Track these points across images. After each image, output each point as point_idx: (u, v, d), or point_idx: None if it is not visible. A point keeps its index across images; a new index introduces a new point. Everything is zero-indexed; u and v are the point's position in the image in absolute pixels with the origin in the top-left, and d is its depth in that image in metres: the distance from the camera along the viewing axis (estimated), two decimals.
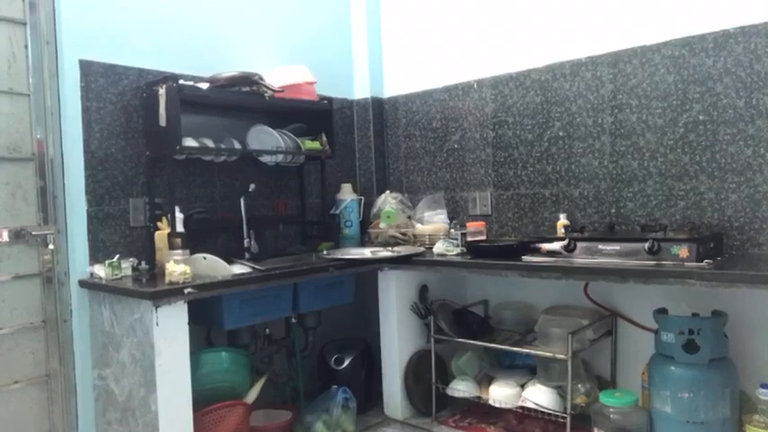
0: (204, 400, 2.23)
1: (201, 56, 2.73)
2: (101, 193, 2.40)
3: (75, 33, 2.35)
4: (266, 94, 2.67)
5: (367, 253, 2.82)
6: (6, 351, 2.21)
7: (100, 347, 2.30)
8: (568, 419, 2.37)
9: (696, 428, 2.12)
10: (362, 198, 3.26)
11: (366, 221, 3.25)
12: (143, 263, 2.44)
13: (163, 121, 2.36)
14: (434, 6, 3.23)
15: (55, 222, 2.33)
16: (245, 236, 2.69)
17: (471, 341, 2.70)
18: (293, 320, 2.73)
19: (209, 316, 2.33)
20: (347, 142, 3.43)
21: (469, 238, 2.76)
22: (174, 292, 2.04)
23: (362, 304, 3.06)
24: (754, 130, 2.26)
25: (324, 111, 2.97)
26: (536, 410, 2.48)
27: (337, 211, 3.19)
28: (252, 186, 2.75)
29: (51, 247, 2.31)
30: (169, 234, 2.34)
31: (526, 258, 2.37)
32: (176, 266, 2.11)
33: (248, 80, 2.60)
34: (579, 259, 2.28)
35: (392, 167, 3.47)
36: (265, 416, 2.67)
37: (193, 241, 2.36)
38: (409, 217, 3.17)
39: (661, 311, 2.28)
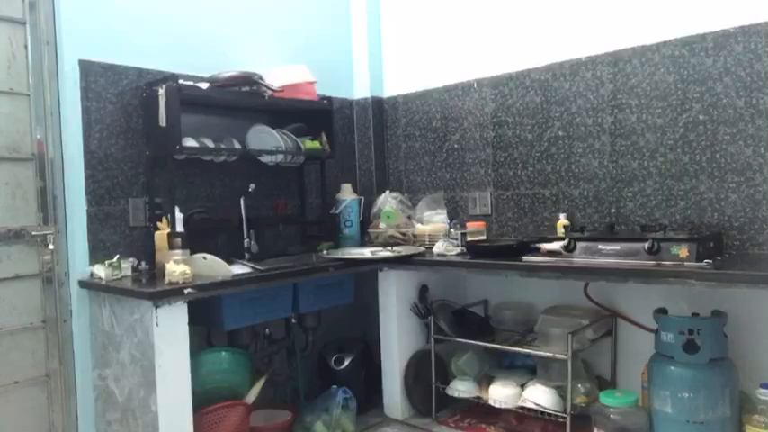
0: (204, 400, 2.23)
1: (201, 56, 2.73)
2: (101, 193, 2.40)
3: (75, 33, 2.35)
4: (266, 94, 2.67)
5: (367, 253, 2.82)
6: (6, 351, 2.21)
7: (100, 347, 2.30)
8: (568, 419, 2.37)
9: (696, 428, 2.12)
10: (362, 198, 3.26)
11: (366, 221, 3.24)
12: (143, 263, 2.44)
13: (163, 121, 2.36)
14: (434, 6, 3.23)
15: (55, 222, 2.33)
16: (244, 236, 2.69)
17: (471, 341, 2.70)
18: (293, 320, 2.73)
19: (209, 316, 2.33)
20: (347, 142, 3.43)
21: (469, 238, 2.76)
22: (173, 293, 2.04)
23: (362, 304, 3.06)
24: (753, 130, 2.26)
25: (324, 110, 2.97)
26: (536, 410, 2.48)
27: (337, 211, 3.19)
28: (252, 186, 2.75)
29: (51, 247, 2.31)
30: (169, 234, 2.34)
31: (526, 258, 2.37)
32: (176, 266, 2.11)
33: (248, 80, 2.60)
34: (579, 259, 2.27)
35: (392, 167, 3.47)
36: (265, 416, 2.66)
37: (193, 241, 2.36)
38: (409, 217, 3.17)
39: (661, 311, 2.28)
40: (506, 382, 2.61)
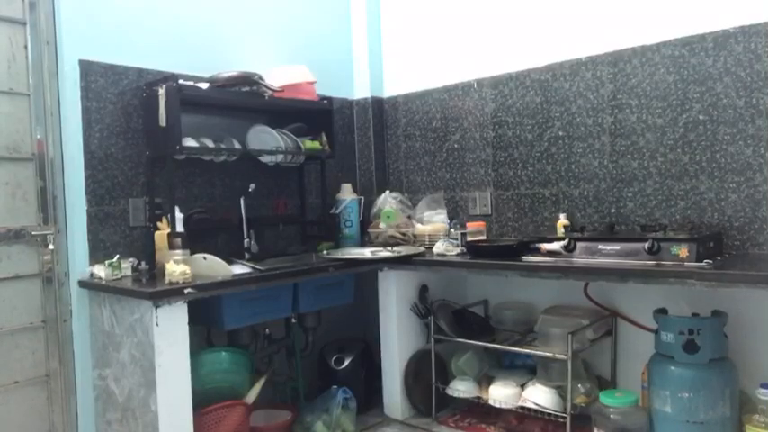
0: (204, 400, 2.23)
1: (201, 56, 2.73)
2: (101, 193, 2.40)
3: (75, 33, 2.35)
4: (266, 94, 2.67)
5: (367, 253, 2.82)
6: (6, 351, 2.21)
7: (100, 347, 2.30)
8: (568, 419, 2.37)
9: (696, 428, 2.12)
10: (362, 198, 3.26)
11: (366, 221, 3.24)
12: (143, 263, 2.43)
13: (163, 121, 2.36)
14: (434, 6, 3.23)
15: (55, 222, 2.33)
16: (245, 236, 2.69)
17: (471, 341, 2.70)
18: (293, 320, 2.73)
19: (209, 316, 2.33)
20: (347, 142, 3.43)
21: (469, 238, 2.76)
22: (173, 292, 2.04)
23: (362, 304, 3.06)
24: (753, 130, 2.26)
25: (324, 110, 2.97)
26: (536, 410, 2.48)
27: (337, 211, 3.19)
28: (252, 186, 2.75)
29: (51, 247, 2.31)
30: (169, 234, 2.34)
31: (526, 258, 2.37)
32: (176, 266, 2.11)
33: (248, 80, 2.60)
34: (579, 259, 2.28)
35: (392, 167, 3.47)
36: (265, 416, 2.67)
37: (193, 241, 2.36)
38: (409, 217, 3.17)
39: (661, 311, 2.28)
40: (506, 382, 2.61)
